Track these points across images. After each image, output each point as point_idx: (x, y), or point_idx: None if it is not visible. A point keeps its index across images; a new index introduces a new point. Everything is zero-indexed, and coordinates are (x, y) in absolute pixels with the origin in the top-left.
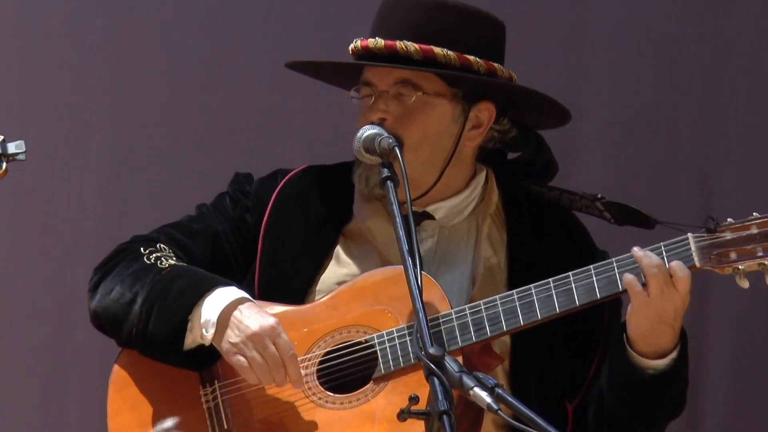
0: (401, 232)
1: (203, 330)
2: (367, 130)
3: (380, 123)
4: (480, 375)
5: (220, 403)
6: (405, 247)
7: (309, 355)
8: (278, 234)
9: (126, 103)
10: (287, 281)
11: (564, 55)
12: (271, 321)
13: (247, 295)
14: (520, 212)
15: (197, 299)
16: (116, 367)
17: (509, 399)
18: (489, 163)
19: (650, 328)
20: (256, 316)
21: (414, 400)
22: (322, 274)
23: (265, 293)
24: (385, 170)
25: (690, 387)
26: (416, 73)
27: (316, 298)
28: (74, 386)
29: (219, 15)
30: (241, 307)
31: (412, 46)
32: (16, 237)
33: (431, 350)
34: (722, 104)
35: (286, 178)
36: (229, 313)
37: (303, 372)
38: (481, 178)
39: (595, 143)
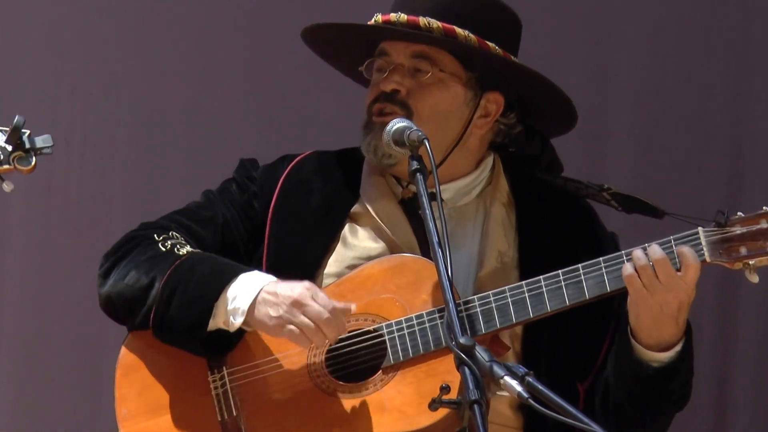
0: (431, 224)
1: (231, 317)
2: (396, 123)
3: (393, 93)
4: (510, 364)
5: (229, 389)
6: (435, 239)
7: None
8: (285, 218)
9: (150, 98)
10: (295, 265)
11: (588, 48)
12: (304, 284)
13: (272, 277)
14: (529, 196)
15: (222, 286)
16: (123, 351)
17: (540, 387)
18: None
19: (652, 319)
20: (287, 285)
21: (445, 389)
22: (329, 257)
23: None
24: (414, 162)
25: (717, 384)
26: (434, 49)
27: (324, 281)
28: (107, 381)
29: (239, 8)
30: (267, 286)
31: (434, 23)
32: (45, 233)
33: (462, 340)
34: (750, 96)
35: (293, 163)
36: (258, 295)
37: (312, 360)
38: (489, 161)
39: (622, 137)
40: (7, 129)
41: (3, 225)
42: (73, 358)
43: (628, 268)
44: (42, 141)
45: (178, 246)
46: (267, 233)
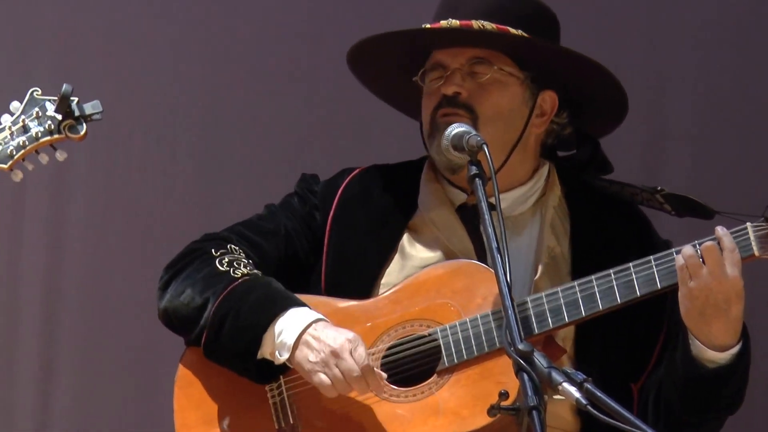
0: (490, 230)
1: (277, 352)
2: (455, 128)
3: (455, 96)
4: (569, 370)
5: (286, 398)
6: (494, 245)
7: (373, 350)
8: (344, 229)
9: (213, 102)
10: (353, 276)
11: (648, 50)
12: (347, 335)
13: (320, 315)
14: (583, 204)
15: (271, 319)
16: (181, 367)
17: (598, 393)
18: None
19: (699, 312)
20: (333, 333)
21: (504, 396)
22: (387, 267)
23: (331, 288)
24: (473, 168)
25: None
26: (490, 52)
27: (382, 291)
28: (165, 384)
29: (300, 18)
30: (316, 326)
31: (488, 24)
32: (104, 236)
33: (520, 346)
34: None
35: (351, 175)
36: (303, 335)
37: None
38: (544, 170)
39: (681, 138)
40: (56, 98)
41: (62, 227)
42: (132, 361)
43: (679, 260)
44: (91, 107)
45: (235, 264)
46: (326, 244)
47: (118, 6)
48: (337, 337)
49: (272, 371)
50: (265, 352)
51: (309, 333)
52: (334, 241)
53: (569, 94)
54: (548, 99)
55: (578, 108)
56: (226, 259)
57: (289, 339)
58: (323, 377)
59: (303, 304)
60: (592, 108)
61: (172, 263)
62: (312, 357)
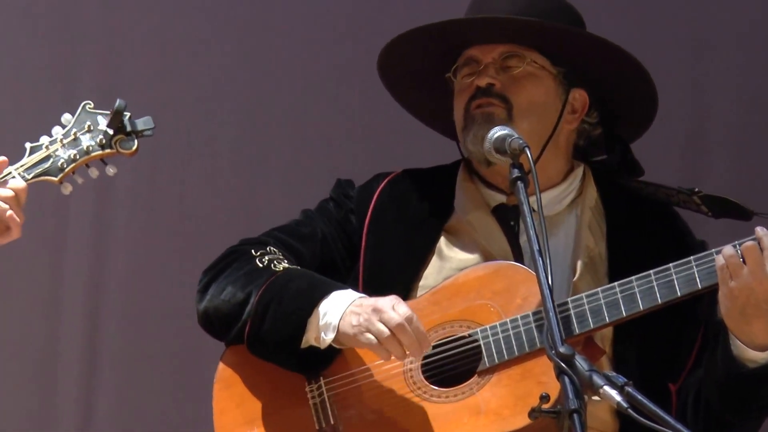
0: (532, 232)
1: (322, 333)
2: (498, 131)
3: (489, 87)
4: (610, 373)
5: (326, 398)
6: (536, 247)
7: None
8: (380, 233)
9: (254, 101)
10: (391, 278)
11: (690, 53)
12: (390, 296)
13: (362, 294)
14: (619, 206)
15: (315, 302)
16: (221, 366)
17: (639, 397)
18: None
19: (740, 312)
20: (375, 298)
21: (545, 398)
22: (425, 270)
23: (369, 291)
24: (516, 170)
25: None
26: (522, 47)
27: (420, 293)
28: (207, 387)
29: (344, 16)
30: (356, 300)
31: (521, 19)
32: (150, 238)
33: (562, 349)
34: None
35: (385, 180)
36: (347, 310)
37: (408, 366)
38: (579, 172)
39: (722, 142)
40: (109, 113)
41: (106, 231)
42: (174, 363)
43: (719, 260)
44: (143, 123)
45: (275, 262)
46: (363, 247)
47: (160, 12)
48: (379, 298)
49: (314, 362)
50: (309, 337)
51: (352, 305)
52: (370, 244)
53: (600, 93)
54: (579, 97)
55: (609, 108)
56: (267, 258)
57: (334, 318)
58: (369, 336)
59: (345, 287)
60: (622, 106)
61: (212, 266)
62: (354, 321)
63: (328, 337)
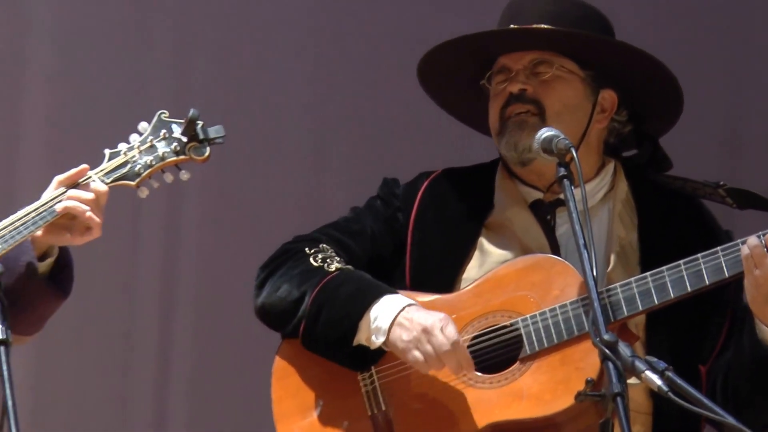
0: (577, 227)
1: (372, 336)
2: (545, 132)
3: (521, 93)
4: (651, 359)
5: (377, 386)
6: (581, 241)
7: None
8: (425, 229)
9: (322, 102)
10: (436, 272)
11: (725, 53)
12: (438, 315)
13: (411, 300)
14: (649, 199)
15: (366, 306)
16: (277, 359)
17: (679, 381)
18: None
19: (765, 299)
20: (424, 314)
21: (590, 383)
22: (468, 264)
23: (415, 284)
24: (562, 169)
25: None
26: (551, 54)
27: (463, 286)
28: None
29: (414, 16)
30: (408, 309)
31: (550, 28)
32: (218, 234)
33: (606, 336)
34: None
35: (429, 179)
36: (397, 318)
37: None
38: (611, 167)
39: (761, 141)
40: (183, 121)
41: (177, 231)
42: (246, 358)
43: (744, 250)
44: (215, 131)
45: (328, 261)
46: (409, 243)
47: (227, 21)
48: (428, 317)
49: (365, 359)
50: (361, 338)
51: (402, 315)
52: (416, 240)
53: (628, 92)
54: (608, 97)
55: (637, 106)
56: (320, 256)
57: (384, 323)
58: (417, 354)
59: (395, 292)
60: (649, 105)
61: (268, 263)
62: (405, 336)
63: (378, 341)
